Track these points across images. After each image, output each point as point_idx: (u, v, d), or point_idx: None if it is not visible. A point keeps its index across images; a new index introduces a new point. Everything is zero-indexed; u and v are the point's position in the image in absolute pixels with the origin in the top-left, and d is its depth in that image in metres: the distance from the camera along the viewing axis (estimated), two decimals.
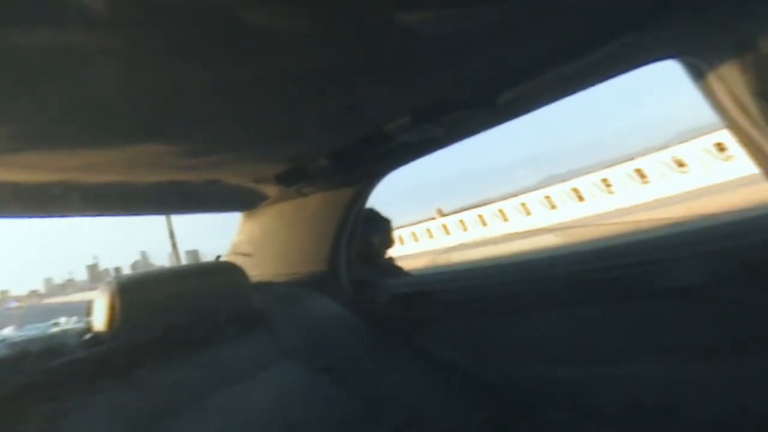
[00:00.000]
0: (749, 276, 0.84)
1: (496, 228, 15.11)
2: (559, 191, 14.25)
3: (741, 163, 9.71)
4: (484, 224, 15.89)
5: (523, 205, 15.15)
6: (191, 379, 0.91)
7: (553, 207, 14.20)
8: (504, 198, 16.23)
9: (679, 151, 11.52)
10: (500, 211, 15.70)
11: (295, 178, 1.23)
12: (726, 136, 10.44)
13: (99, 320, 0.91)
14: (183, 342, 0.97)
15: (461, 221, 16.72)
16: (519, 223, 14.58)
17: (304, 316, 1.25)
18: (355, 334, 1.27)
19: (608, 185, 13.01)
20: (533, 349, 1.11)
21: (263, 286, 1.42)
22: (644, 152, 12.56)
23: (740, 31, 0.80)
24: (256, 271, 1.46)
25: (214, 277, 1.13)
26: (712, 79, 0.87)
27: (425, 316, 1.33)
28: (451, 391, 1.18)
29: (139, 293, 0.94)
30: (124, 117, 0.78)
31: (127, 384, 0.84)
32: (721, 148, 10.54)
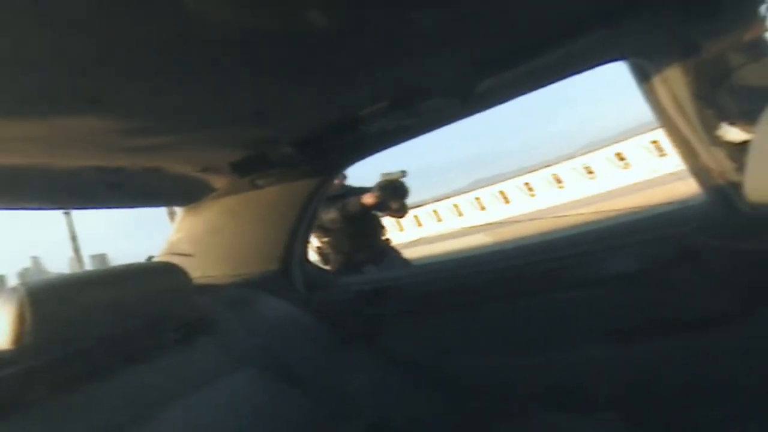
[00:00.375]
0: (658, 267, 0.96)
1: (432, 228, 15.67)
2: (487, 194, 15.24)
3: (637, 171, 11.28)
4: (420, 225, 16.39)
5: (455, 206, 15.93)
6: (129, 397, 0.77)
7: (483, 208, 15.15)
8: (437, 199, 16.92)
9: (587, 159, 13.00)
10: (434, 211, 16.32)
11: (253, 167, 1.10)
12: (624, 147, 12.05)
13: (1, 337, 0.72)
14: (116, 356, 0.83)
15: (398, 222, 17.03)
16: (452, 222, 15.29)
17: (254, 320, 1.15)
18: (310, 337, 1.20)
19: (530, 189, 14.23)
20: (492, 341, 1.15)
21: (207, 289, 1.28)
22: (557, 160, 13.98)
23: (687, 36, 0.87)
24: (197, 272, 1.31)
25: (152, 280, 0.99)
26: (656, 80, 0.95)
27: (383, 314, 1.30)
28: (414, 389, 1.17)
29: (58, 301, 0.78)
30: (33, 80, 0.62)
31: (46, 412, 0.69)
32: (620, 157, 12.12)
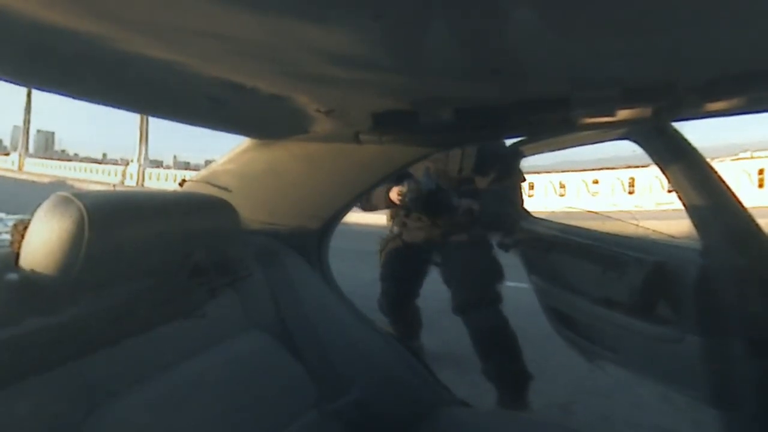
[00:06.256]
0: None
1: None
2: None
3: (602, 200, 11.87)
4: None
5: None
6: (148, 348, 0.72)
7: None
8: None
9: (564, 177, 13.52)
10: None
11: (396, 123, 0.92)
12: (601, 175, 12.61)
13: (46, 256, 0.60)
14: (151, 298, 0.73)
15: None
16: None
17: (279, 280, 1.06)
18: (330, 316, 1.12)
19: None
20: None
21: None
22: (537, 169, 14.37)
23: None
24: None
25: (208, 215, 0.87)
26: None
27: None
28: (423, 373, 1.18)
29: (117, 223, 0.67)
30: None
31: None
32: (595, 182, 12.71)
